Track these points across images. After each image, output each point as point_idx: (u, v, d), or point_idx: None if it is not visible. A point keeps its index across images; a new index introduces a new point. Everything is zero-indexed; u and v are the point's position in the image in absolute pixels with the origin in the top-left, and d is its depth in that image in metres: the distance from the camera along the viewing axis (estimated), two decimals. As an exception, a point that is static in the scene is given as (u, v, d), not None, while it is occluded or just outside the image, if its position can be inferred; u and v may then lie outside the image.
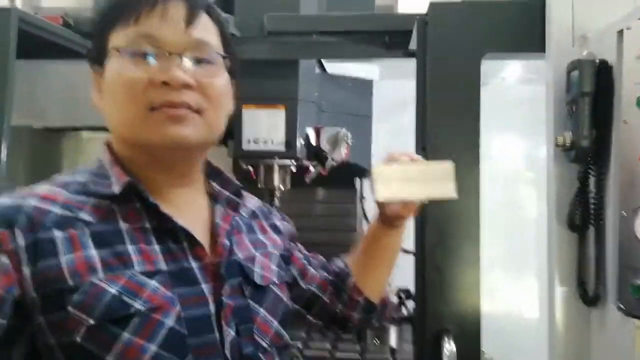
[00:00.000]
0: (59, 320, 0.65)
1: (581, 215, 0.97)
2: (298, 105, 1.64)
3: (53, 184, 0.74)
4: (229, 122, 1.79)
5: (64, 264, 0.65)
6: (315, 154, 1.69)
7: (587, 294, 0.96)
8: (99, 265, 0.67)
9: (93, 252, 0.67)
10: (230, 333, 0.72)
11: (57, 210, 0.69)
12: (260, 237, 0.88)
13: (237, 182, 0.86)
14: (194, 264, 0.73)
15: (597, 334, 0.97)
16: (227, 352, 0.71)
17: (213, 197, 0.83)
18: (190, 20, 0.73)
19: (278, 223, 0.95)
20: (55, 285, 0.65)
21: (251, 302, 0.77)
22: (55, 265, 0.65)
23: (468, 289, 1.07)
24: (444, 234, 1.09)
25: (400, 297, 1.86)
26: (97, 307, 0.64)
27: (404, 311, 1.78)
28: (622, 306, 0.84)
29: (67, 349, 0.64)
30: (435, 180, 0.88)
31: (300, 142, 1.66)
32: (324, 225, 2.12)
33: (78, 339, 0.64)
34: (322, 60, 1.79)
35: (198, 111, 0.73)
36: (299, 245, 1.02)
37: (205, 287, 0.72)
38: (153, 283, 0.68)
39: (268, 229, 0.91)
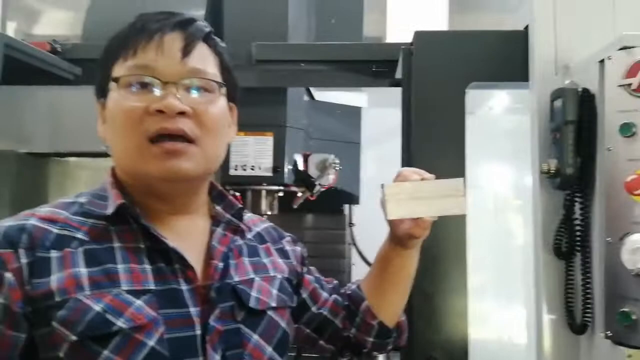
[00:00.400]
0: (46, 335, 0.66)
1: (567, 242, 0.97)
2: (286, 131, 1.65)
3: (54, 206, 0.76)
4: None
5: (53, 281, 0.67)
6: (303, 179, 1.70)
7: (575, 322, 0.95)
8: (86, 283, 0.68)
9: (82, 270, 0.69)
10: (215, 357, 0.71)
11: (56, 230, 0.71)
12: (264, 260, 0.86)
13: (239, 204, 0.85)
14: (184, 287, 0.73)
15: (586, 363, 0.96)
16: None
17: (215, 221, 0.83)
18: (186, 51, 0.75)
19: (288, 248, 0.93)
20: (45, 302, 0.67)
21: (243, 327, 0.76)
22: (46, 282, 0.67)
23: (455, 315, 1.06)
24: (430, 261, 1.09)
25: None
26: (80, 323, 0.65)
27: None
28: (610, 334, 0.84)
29: None
30: (446, 197, 0.87)
31: (287, 167, 1.67)
32: (313, 251, 2.12)
33: (61, 355, 0.65)
34: (310, 88, 1.81)
35: (194, 140, 0.74)
36: (312, 268, 1.00)
37: (194, 310, 0.72)
38: (138, 302, 0.69)
39: (274, 252, 0.89)
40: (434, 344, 1.06)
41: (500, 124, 2.03)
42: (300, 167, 1.72)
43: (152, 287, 0.70)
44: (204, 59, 0.77)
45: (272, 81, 1.53)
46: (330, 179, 1.73)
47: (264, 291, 0.81)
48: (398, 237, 0.92)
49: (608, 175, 0.87)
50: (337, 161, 1.72)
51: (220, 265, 0.77)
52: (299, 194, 1.73)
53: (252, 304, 0.78)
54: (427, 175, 0.91)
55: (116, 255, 0.71)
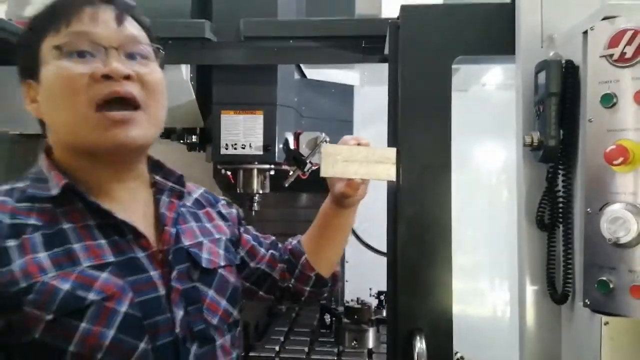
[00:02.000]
0: (17, 322, 0.68)
1: (549, 214, 0.98)
2: (276, 110, 1.64)
3: None
4: (207, 126, 1.79)
5: (16, 268, 0.69)
6: (295, 158, 1.69)
7: (556, 293, 0.96)
8: (48, 265, 0.71)
9: (42, 254, 0.71)
10: (179, 313, 0.77)
11: (7, 220, 0.72)
12: (207, 225, 0.93)
13: (178, 172, 0.91)
14: (141, 254, 0.78)
15: (567, 332, 0.97)
16: (177, 330, 0.76)
17: (157, 189, 0.88)
18: (120, 19, 0.78)
19: (224, 211, 1.01)
20: (11, 289, 0.68)
21: (199, 285, 0.83)
22: (8, 270, 0.69)
23: (440, 288, 1.07)
24: (416, 234, 1.10)
25: (379, 299, 1.86)
26: (52, 303, 0.68)
27: (384, 313, 1.78)
28: (588, 302, 0.85)
29: (25, 348, 0.68)
30: (378, 163, 0.97)
31: (278, 146, 1.66)
32: (304, 229, 2.14)
33: (37, 336, 0.68)
34: (302, 66, 1.80)
35: (140, 106, 0.77)
36: (249, 227, 1.09)
37: (154, 274, 0.77)
38: (104, 275, 0.73)
39: (215, 216, 0.97)
40: (418, 317, 1.07)
41: (494, 100, 2.03)
42: (292, 145, 1.72)
43: (112, 259, 0.75)
44: (136, 28, 0.80)
45: (261, 58, 1.52)
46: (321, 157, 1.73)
47: (213, 252, 0.89)
48: (334, 196, 1.02)
49: (589, 147, 0.87)
50: (328, 139, 1.71)
51: (173, 230, 0.83)
52: (291, 173, 1.73)
53: (204, 264, 0.85)
54: (364, 141, 1.00)
55: (69, 236, 0.74)
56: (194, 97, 1.64)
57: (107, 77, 0.74)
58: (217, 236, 0.93)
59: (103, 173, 0.80)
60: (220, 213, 0.99)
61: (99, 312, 0.70)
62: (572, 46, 0.95)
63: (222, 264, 0.89)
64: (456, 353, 1.09)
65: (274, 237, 1.14)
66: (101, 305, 0.71)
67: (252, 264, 1.03)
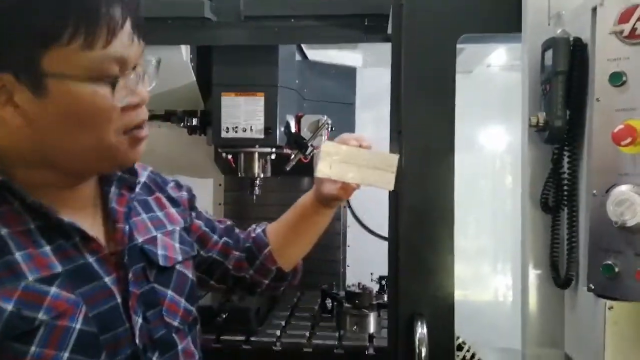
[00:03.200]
0: None
1: (554, 196, 0.96)
2: (278, 92, 1.62)
3: None
4: (207, 109, 1.74)
5: None
6: (296, 141, 1.68)
7: (559, 277, 0.94)
8: None
9: None
10: (138, 321, 0.71)
11: None
12: (159, 214, 0.86)
13: None
14: (91, 258, 0.70)
15: (569, 316, 0.95)
16: (137, 341, 0.70)
17: (104, 180, 0.78)
18: (139, 33, 0.69)
19: (175, 195, 0.92)
20: None
21: (156, 286, 0.77)
22: None
23: (442, 273, 1.05)
24: (418, 218, 1.08)
25: (381, 284, 1.85)
26: None
27: (385, 298, 1.77)
28: (592, 287, 0.83)
29: None
30: (377, 169, 0.92)
31: (280, 129, 1.64)
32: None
33: None
34: (303, 47, 1.77)
35: None
36: (201, 212, 1.01)
37: (109, 280, 0.70)
38: (53, 289, 0.64)
39: (166, 203, 0.89)
40: (420, 301, 1.05)
41: (499, 81, 1.99)
42: (293, 128, 1.70)
43: (59, 269, 0.66)
44: None
45: (262, 38, 1.49)
46: (323, 140, 1.71)
47: (169, 247, 0.82)
48: (322, 195, 0.96)
49: (596, 127, 0.85)
50: (330, 122, 1.69)
51: (127, 227, 0.76)
52: (292, 156, 1.72)
53: (161, 262, 0.79)
54: (365, 143, 0.94)
55: (8, 243, 0.63)
56: (194, 78, 1.62)
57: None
58: (170, 228, 0.85)
59: (57, 177, 0.70)
60: (170, 197, 0.90)
61: (50, 333, 0.62)
62: (581, 23, 0.92)
63: (180, 259, 0.83)
64: (458, 338, 1.08)
65: (229, 222, 1.06)
66: (53, 325, 0.62)
67: (202, 252, 0.97)
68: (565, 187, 0.93)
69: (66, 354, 0.63)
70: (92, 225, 0.73)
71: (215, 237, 1.00)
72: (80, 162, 0.69)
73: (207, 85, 1.65)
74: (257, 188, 1.77)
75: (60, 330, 0.63)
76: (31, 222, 0.66)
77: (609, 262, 0.80)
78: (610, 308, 0.80)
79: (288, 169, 1.71)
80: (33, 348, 0.61)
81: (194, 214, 0.98)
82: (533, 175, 1.00)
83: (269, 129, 1.62)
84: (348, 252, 2.18)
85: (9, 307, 0.60)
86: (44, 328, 0.62)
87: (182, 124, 1.80)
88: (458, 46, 1.13)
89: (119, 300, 0.70)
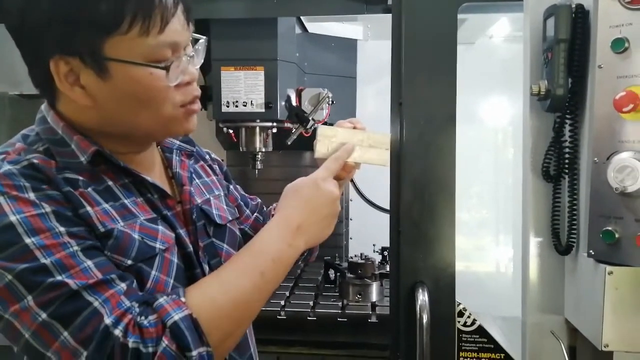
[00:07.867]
0: None
1: (555, 165, 0.96)
2: (277, 65, 1.61)
3: (26, 152, 0.73)
4: (207, 84, 1.78)
5: (90, 214, 0.71)
6: (297, 115, 1.67)
7: (560, 244, 0.95)
8: (116, 215, 0.74)
9: (105, 205, 0.74)
10: (206, 268, 0.84)
11: (59, 174, 0.72)
12: (207, 180, 0.98)
13: None
14: (169, 213, 0.82)
15: (570, 283, 0.96)
16: None
17: (164, 148, 0.92)
18: (189, 17, 0.77)
19: (215, 165, 1.05)
20: (93, 232, 0.71)
21: (215, 240, 0.89)
22: (87, 213, 0.71)
23: (443, 242, 1.06)
24: (419, 189, 1.08)
25: (383, 255, 1.87)
26: (130, 249, 0.73)
27: (387, 268, 1.79)
28: (592, 253, 0.84)
29: None
30: (372, 148, 0.98)
31: (280, 103, 1.64)
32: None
33: None
34: (303, 20, 1.75)
35: None
36: (236, 186, 1.12)
37: (182, 232, 0.82)
38: (161, 227, 0.78)
39: (209, 170, 1.01)
40: (421, 270, 1.07)
41: (501, 52, 1.97)
42: (294, 102, 1.69)
43: (154, 214, 0.79)
44: None
45: (260, 11, 1.48)
46: (324, 113, 1.70)
47: (220, 208, 0.94)
48: None
49: (598, 94, 0.84)
50: (330, 95, 1.69)
51: (192, 189, 0.88)
52: (293, 130, 1.71)
53: (217, 220, 0.91)
54: (360, 125, 1.01)
55: (117, 192, 0.77)
56: (193, 53, 1.60)
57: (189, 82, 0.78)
58: (217, 193, 0.97)
59: (126, 146, 0.81)
60: (211, 167, 1.02)
61: (163, 262, 0.76)
62: (584, -11, 0.91)
63: (230, 218, 0.95)
64: (459, 304, 1.09)
65: (259, 200, 1.17)
66: (163, 256, 0.76)
67: (237, 223, 1.03)
68: (567, 155, 0.94)
69: (171, 281, 0.77)
70: (165, 187, 0.84)
71: (248, 211, 1.11)
72: (143, 133, 0.79)
73: (207, 59, 1.64)
74: (258, 162, 1.77)
75: (167, 261, 0.77)
76: (125, 178, 0.79)
77: (609, 228, 0.81)
78: (610, 273, 0.81)
79: (289, 143, 1.71)
80: (153, 272, 0.75)
81: (231, 186, 1.09)
82: (534, 144, 1.00)
83: (270, 103, 1.61)
84: (351, 225, 2.19)
85: (136, 236, 0.74)
86: (159, 256, 0.76)
87: (182, 99, 1.80)
88: (460, 17, 1.12)
89: (191, 249, 0.82)
